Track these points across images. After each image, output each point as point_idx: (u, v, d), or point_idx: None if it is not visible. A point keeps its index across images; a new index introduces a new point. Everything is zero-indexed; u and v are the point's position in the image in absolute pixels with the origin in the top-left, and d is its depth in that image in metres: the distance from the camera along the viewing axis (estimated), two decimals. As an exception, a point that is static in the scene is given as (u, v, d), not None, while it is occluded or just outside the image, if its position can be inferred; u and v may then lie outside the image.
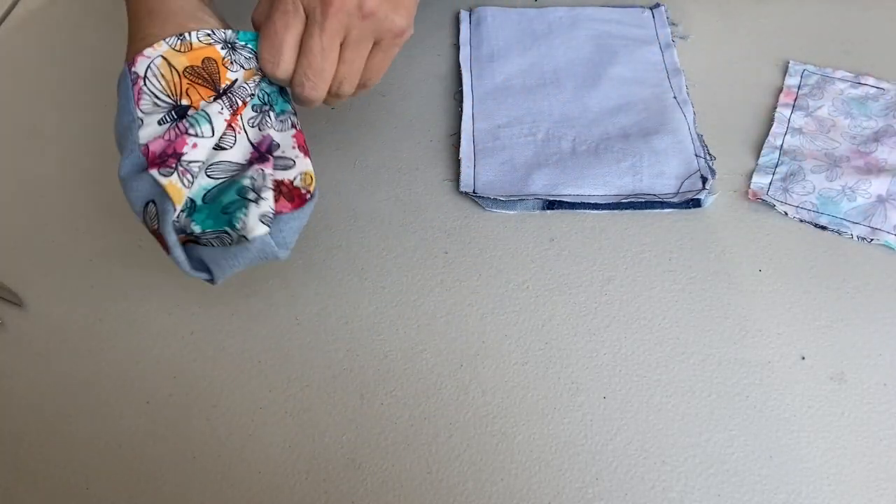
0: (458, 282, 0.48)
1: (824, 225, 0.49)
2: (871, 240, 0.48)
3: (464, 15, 0.64)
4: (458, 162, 0.53)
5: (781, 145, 0.54)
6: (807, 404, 0.42)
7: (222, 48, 0.40)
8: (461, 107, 0.57)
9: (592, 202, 0.51)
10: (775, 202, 0.50)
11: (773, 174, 0.52)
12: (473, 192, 0.52)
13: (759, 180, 0.52)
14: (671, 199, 0.50)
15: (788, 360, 0.44)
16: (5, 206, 0.54)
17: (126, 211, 0.53)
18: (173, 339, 0.46)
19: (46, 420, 0.44)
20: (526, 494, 0.40)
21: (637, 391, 0.43)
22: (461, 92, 0.58)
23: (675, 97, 0.56)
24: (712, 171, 0.51)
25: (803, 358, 0.44)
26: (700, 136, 0.54)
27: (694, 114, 0.55)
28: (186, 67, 0.39)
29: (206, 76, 0.40)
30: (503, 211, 0.51)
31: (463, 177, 0.52)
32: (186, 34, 0.40)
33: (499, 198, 0.51)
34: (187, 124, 0.39)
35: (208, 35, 0.40)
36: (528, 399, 0.43)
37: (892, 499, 0.39)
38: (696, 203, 0.50)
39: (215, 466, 0.42)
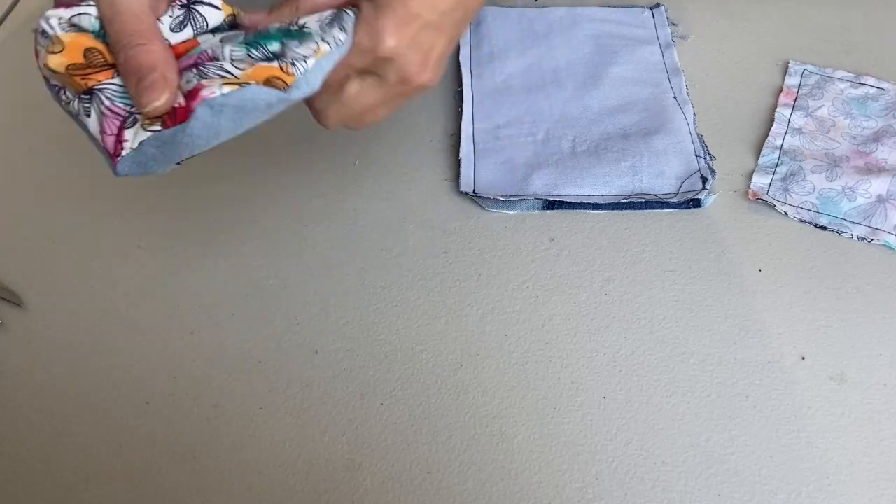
0: (458, 282, 0.48)
1: (824, 225, 0.49)
2: (871, 240, 0.48)
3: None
4: (458, 162, 0.53)
5: (781, 145, 0.54)
6: (807, 404, 0.42)
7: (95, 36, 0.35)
8: (461, 107, 0.57)
9: (592, 202, 0.51)
10: (775, 202, 0.50)
11: (773, 174, 0.52)
12: (473, 192, 0.52)
13: (759, 180, 0.52)
14: (671, 199, 0.50)
15: (788, 360, 0.44)
16: (5, 206, 0.54)
17: (126, 211, 0.53)
18: (173, 339, 0.46)
19: (46, 420, 0.44)
20: (526, 494, 0.40)
21: (637, 391, 0.43)
22: (461, 92, 0.58)
23: (675, 97, 0.56)
24: (712, 171, 0.51)
25: (803, 358, 0.44)
26: (700, 137, 0.54)
27: (694, 114, 0.55)
28: (69, 66, 0.35)
29: (97, 65, 0.35)
30: (503, 211, 0.51)
31: (463, 177, 0.52)
32: (46, 26, 0.34)
33: (499, 198, 0.51)
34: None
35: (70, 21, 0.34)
36: (528, 399, 0.43)
37: (892, 499, 0.39)
38: (696, 203, 0.50)
39: (215, 466, 0.42)
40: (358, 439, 0.42)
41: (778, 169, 0.52)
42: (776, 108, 0.56)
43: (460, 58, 0.60)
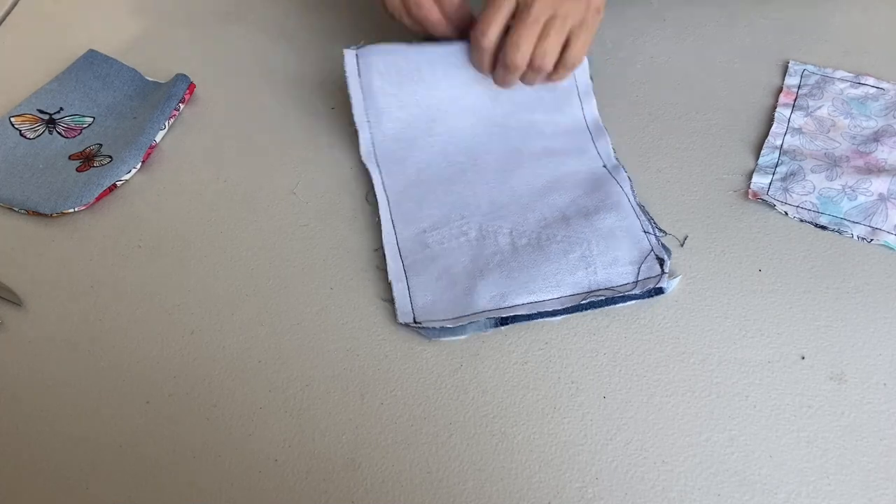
0: (458, 282, 0.48)
1: (824, 225, 0.49)
2: (871, 240, 0.48)
3: (355, 95, 0.53)
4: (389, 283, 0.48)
5: (781, 145, 0.54)
6: (807, 404, 0.42)
7: None
8: (378, 213, 0.51)
9: (549, 309, 0.45)
10: (775, 202, 0.50)
11: (773, 174, 0.52)
12: (414, 321, 0.45)
13: (759, 180, 0.52)
14: (631, 292, 0.46)
15: (788, 360, 0.44)
16: (5, 205, 0.54)
17: (126, 211, 0.53)
18: (173, 339, 0.46)
19: (46, 420, 0.44)
20: (526, 494, 0.40)
21: (637, 391, 0.43)
22: (374, 193, 0.52)
23: (604, 166, 0.52)
24: (667, 250, 0.47)
25: (803, 358, 0.44)
26: (642, 207, 0.50)
27: (630, 181, 0.51)
28: None
29: None
30: (451, 338, 0.45)
31: (399, 306, 0.46)
32: None
33: (444, 325, 0.45)
34: None
35: None
36: (528, 399, 0.43)
37: (892, 499, 0.39)
38: (658, 291, 0.46)
39: (215, 466, 0.42)
40: (358, 439, 0.42)
41: (778, 169, 0.52)
42: (776, 108, 0.56)
43: (362, 152, 0.53)
